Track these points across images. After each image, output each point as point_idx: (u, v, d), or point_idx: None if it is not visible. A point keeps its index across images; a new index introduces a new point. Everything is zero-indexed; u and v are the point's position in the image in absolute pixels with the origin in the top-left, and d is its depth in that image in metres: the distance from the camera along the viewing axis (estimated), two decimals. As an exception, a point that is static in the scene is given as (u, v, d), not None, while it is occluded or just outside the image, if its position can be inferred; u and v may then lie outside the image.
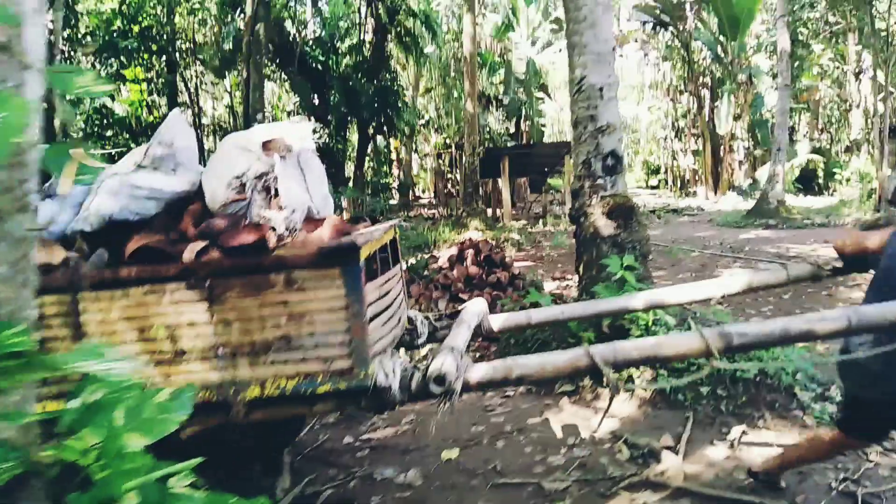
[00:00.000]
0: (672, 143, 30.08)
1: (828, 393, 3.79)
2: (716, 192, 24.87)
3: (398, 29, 15.47)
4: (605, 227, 4.64)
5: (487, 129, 23.59)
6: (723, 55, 23.48)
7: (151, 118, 14.73)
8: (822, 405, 3.67)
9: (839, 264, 2.73)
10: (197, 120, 17.20)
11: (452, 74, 22.56)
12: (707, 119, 25.66)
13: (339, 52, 15.56)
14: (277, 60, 15.25)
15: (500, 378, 2.16)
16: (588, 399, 4.10)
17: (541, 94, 25.60)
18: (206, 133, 18.31)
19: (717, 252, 10.41)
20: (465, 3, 14.97)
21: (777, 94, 17.05)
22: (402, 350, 2.84)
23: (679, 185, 29.63)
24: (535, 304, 4.64)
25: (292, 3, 16.58)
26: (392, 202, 22.44)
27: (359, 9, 16.48)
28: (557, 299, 5.81)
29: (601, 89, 4.68)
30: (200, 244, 2.28)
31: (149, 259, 2.22)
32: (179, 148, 2.63)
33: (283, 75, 16.50)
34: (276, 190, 2.38)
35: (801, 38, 21.64)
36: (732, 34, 21.65)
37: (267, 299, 2.12)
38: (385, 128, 16.17)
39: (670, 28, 24.61)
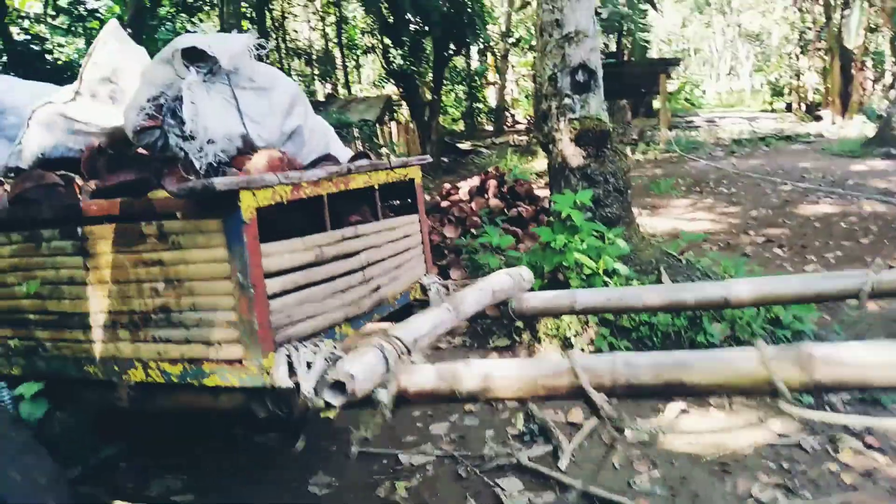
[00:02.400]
0: (798, 59, 26.81)
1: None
2: (843, 116, 22.10)
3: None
4: (574, 156, 4.01)
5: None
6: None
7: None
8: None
9: None
10: (283, 44, 17.30)
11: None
12: (837, 31, 22.52)
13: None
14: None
15: (444, 392, 1.57)
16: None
17: (645, 6, 23.40)
18: (289, 57, 18.44)
19: (809, 186, 9.30)
20: None
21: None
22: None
23: (804, 108, 26.57)
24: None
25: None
26: (484, 128, 21.87)
27: None
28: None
29: None
30: (90, 184, 2.06)
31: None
32: (118, 69, 2.33)
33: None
34: (186, 112, 1.96)
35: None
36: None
37: (141, 257, 1.75)
38: (462, 46, 15.39)
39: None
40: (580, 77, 4.03)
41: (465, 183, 6.06)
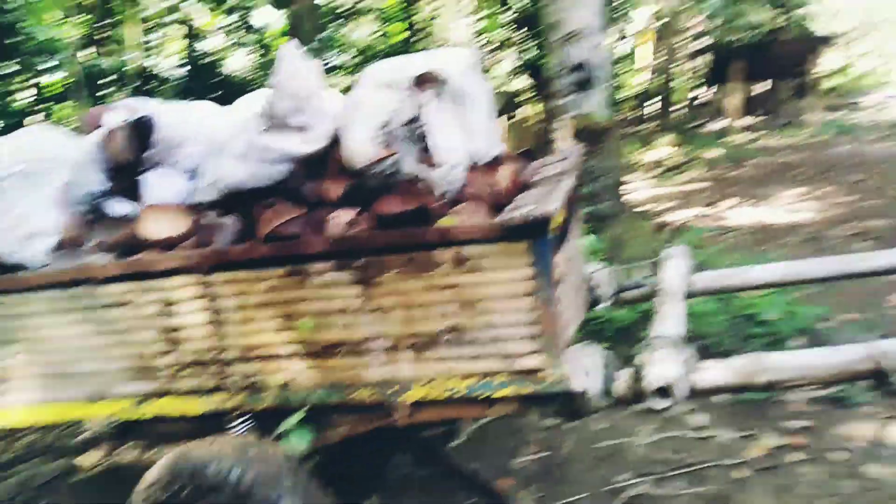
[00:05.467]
0: None
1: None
2: None
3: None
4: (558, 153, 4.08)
5: (747, 24, 20.38)
6: None
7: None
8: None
9: None
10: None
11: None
12: None
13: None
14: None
15: (740, 383, 1.70)
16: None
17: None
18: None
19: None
20: None
21: None
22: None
23: None
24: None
25: None
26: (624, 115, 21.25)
27: None
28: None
29: None
30: (349, 213, 1.95)
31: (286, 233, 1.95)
32: (305, 96, 2.12)
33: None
34: (431, 140, 1.98)
35: None
36: None
37: (432, 282, 1.77)
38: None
39: None
40: (580, 75, 4.14)
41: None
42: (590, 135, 4.14)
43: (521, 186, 2.13)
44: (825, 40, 18.14)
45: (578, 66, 4.16)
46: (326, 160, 2.10)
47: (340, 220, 1.93)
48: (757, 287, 2.60)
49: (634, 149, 11.54)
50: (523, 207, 1.81)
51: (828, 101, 18.47)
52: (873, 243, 5.57)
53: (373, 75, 2.10)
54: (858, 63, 27.38)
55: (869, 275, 2.18)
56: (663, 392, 1.67)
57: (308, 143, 2.10)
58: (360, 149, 1.97)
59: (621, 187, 4.41)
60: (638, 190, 9.42)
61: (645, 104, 21.17)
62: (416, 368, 1.85)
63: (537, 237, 1.66)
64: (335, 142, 2.09)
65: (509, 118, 14.44)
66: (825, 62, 17.39)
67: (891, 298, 4.25)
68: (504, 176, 2.03)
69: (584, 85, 4.19)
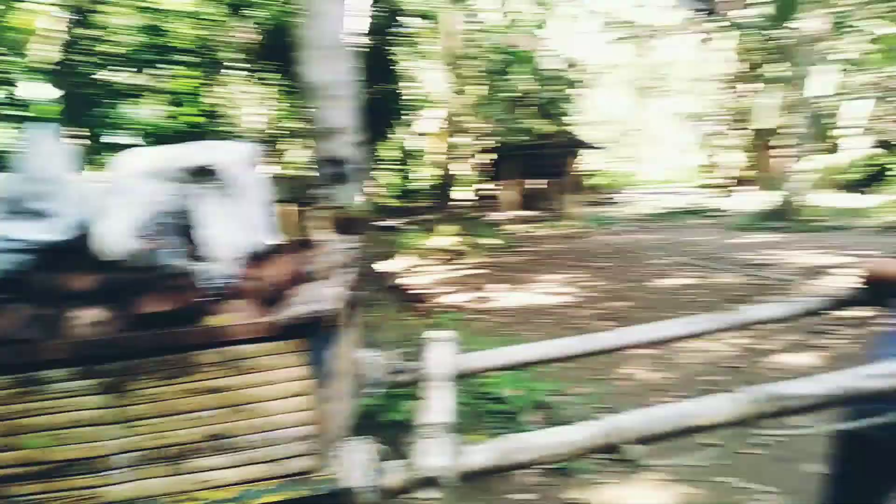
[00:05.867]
0: (720, 138, 28.57)
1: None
2: (761, 191, 23.44)
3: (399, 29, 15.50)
4: (332, 244, 4.38)
5: (520, 129, 23.14)
6: (773, 41, 22.07)
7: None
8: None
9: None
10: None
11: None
12: (755, 112, 24.22)
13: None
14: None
15: (505, 464, 1.72)
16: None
17: (577, 91, 24.88)
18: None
19: (680, 259, 9.89)
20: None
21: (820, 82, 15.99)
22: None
23: (729, 184, 28.05)
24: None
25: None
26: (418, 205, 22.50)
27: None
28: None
29: (324, 87, 4.35)
30: (96, 312, 1.80)
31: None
32: (51, 181, 2.03)
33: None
34: (199, 232, 1.91)
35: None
36: (783, 19, 20.16)
37: (194, 386, 1.66)
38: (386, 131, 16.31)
39: (721, 14, 23.36)
40: (334, 169, 4.44)
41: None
42: (344, 224, 4.35)
43: (296, 279, 2.15)
44: (587, 146, 21.25)
45: (334, 160, 4.42)
46: (75, 252, 1.91)
47: (85, 319, 1.76)
48: (520, 366, 2.81)
49: (419, 237, 12.20)
50: (298, 303, 1.76)
51: (590, 197, 21.36)
52: (614, 323, 6.45)
53: (136, 163, 2.00)
54: (615, 165, 32.51)
55: (611, 350, 2.40)
56: (432, 481, 1.70)
57: (52, 232, 1.94)
58: (116, 240, 1.87)
59: (387, 274, 4.67)
60: (418, 275, 9.90)
61: (432, 196, 22.81)
62: (169, 484, 1.70)
63: (312, 334, 1.62)
64: (86, 232, 1.93)
65: (300, 206, 14.53)
66: (588, 164, 20.24)
67: (617, 371, 4.92)
68: (279, 268, 1.98)
69: (337, 178, 4.42)
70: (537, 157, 18.11)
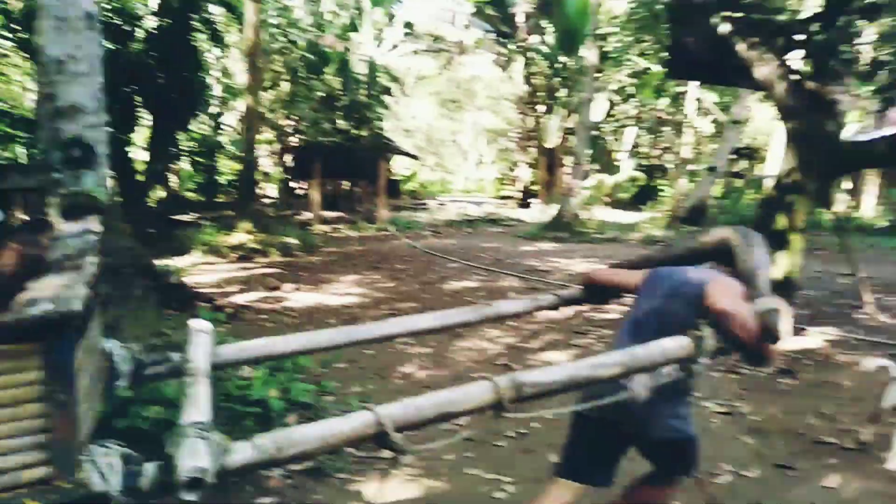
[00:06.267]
0: (515, 154, 30.91)
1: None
2: (547, 204, 25.72)
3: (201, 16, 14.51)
4: (67, 229, 4.04)
5: (331, 129, 22.87)
6: (558, 69, 24.33)
7: None
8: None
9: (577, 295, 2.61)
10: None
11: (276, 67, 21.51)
12: (543, 131, 26.54)
13: (134, 37, 14.33)
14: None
15: (269, 459, 1.60)
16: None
17: (387, 97, 25.29)
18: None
19: (470, 264, 10.44)
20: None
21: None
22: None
23: (522, 196, 30.39)
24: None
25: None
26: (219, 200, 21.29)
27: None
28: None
29: (61, 62, 3.96)
30: None
31: None
32: None
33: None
34: None
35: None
36: (568, 49, 22.27)
37: None
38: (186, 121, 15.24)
39: (511, 38, 25.12)
40: (75, 152, 4.03)
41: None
42: (82, 211, 3.95)
43: (29, 267, 1.86)
44: (398, 151, 21.60)
45: (74, 142, 3.99)
46: None
47: None
48: (280, 356, 2.73)
49: (217, 233, 11.50)
50: (35, 300, 1.55)
51: (398, 201, 21.79)
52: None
53: None
54: (426, 172, 33.54)
55: (376, 341, 2.46)
56: (196, 481, 1.57)
57: None
58: None
59: (169, 270, 4.28)
60: (211, 273, 9.35)
61: (234, 191, 21.73)
62: None
63: (54, 336, 1.46)
64: None
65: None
66: (397, 168, 20.60)
67: (395, 370, 5.03)
68: (7, 257, 1.79)
69: (79, 161, 4.00)
70: (347, 158, 18.01)
